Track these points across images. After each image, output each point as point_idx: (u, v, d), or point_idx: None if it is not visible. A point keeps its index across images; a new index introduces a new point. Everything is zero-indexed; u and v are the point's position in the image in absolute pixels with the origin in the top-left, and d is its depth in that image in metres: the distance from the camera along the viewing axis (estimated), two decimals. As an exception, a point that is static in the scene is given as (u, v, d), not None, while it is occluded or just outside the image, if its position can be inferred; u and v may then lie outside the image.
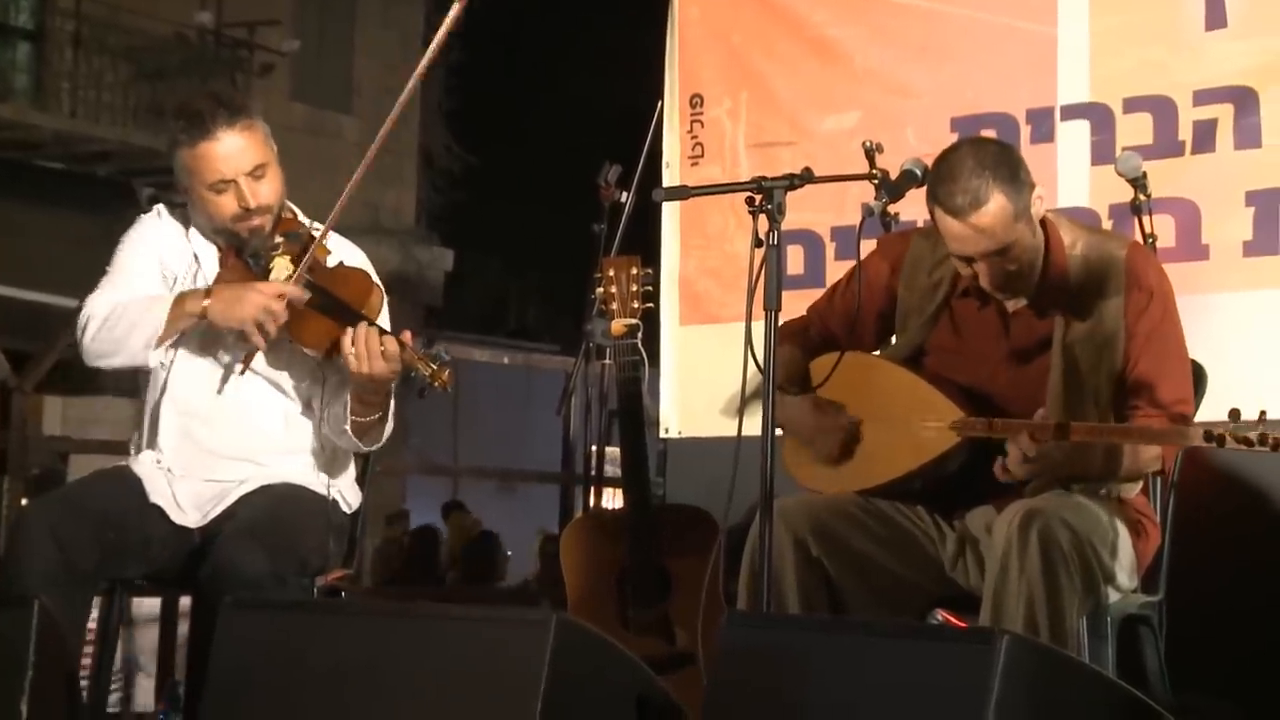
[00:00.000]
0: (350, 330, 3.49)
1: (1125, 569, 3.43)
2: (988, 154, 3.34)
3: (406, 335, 3.52)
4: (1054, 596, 3.19)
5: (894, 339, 3.71)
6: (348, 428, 3.61)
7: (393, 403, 3.68)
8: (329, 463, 3.73)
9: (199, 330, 3.64)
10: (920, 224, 4.54)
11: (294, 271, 3.60)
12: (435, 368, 3.47)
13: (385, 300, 3.70)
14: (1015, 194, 3.31)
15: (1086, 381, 3.44)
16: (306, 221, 3.80)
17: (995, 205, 3.29)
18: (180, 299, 3.60)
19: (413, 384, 3.52)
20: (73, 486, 3.75)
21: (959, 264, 3.43)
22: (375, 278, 3.76)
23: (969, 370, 3.54)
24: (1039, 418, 3.30)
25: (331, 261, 3.71)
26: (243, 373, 3.62)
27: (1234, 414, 3.07)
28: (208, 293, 3.59)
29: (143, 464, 3.69)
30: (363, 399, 3.58)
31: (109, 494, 3.60)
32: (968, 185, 3.28)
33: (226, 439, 3.67)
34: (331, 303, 3.57)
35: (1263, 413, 3.05)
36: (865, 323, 3.66)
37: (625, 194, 5.06)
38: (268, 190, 3.63)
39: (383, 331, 3.49)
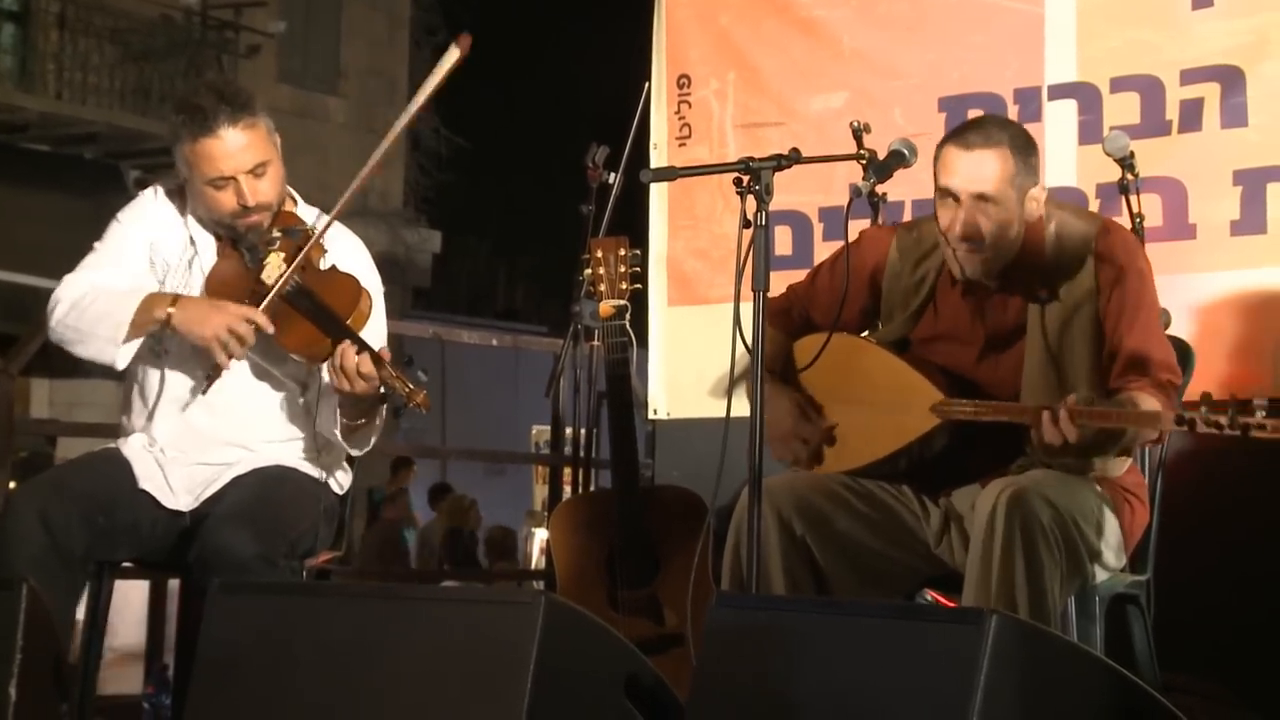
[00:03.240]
0: (336, 342, 3.48)
1: (1112, 547, 3.44)
2: (1013, 126, 3.51)
3: (384, 354, 3.51)
4: (1034, 572, 3.20)
5: (879, 326, 3.71)
6: (337, 430, 3.61)
7: (383, 410, 3.67)
8: (322, 447, 3.73)
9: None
10: (909, 204, 4.55)
11: (285, 271, 3.58)
12: (412, 388, 3.46)
13: (376, 303, 3.68)
14: (1021, 164, 3.41)
15: (1062, 362, 3.45)
16: (307, 211, 3.79)
17: (999, 154, 3.39)
18: (148, 301, 3.56)
19: (390, 402, 3.52)
20: (62, 469, 3.74)
21: (940, 211, 3.43)
22: (372, 276, 3.75)
23: (948, 359, 3.55)
24: (1072, 402, 3.24)
25: (327, 261, 3.69)
26: (204, 391, 3.59)
27: (1205, 396, 3.08)
28: (175, 299, 3.57)
29: (132, 447, 3.68)
30: (347, 407, 3.58)
31: (98, 477, 3.59)
32: (986, 131, 3.43)
33: (222, 424, 3.67)
34: (319, 310, 3.54)
35: (1233, 395, 3.05)
36: (847, 313, 3.65)
37: (613, 175, 5.04)
38: (268, 188, 3.61)
39: (361, 349, 3.46)
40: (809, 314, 3.74)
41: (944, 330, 3.57)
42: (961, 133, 3.45)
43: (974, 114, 4.47)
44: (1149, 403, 3.32)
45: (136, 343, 3.59)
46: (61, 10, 14.51)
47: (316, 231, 3.67)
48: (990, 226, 3.39)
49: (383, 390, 3.48)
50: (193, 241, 3.71)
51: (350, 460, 3.86)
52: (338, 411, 3.58)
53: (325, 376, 3.56)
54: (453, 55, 3.66)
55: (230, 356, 3.50)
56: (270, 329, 3.53)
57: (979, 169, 3.38)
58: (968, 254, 3.43)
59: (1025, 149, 3.42)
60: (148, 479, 3.61)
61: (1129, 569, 3.56)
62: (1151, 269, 3.52)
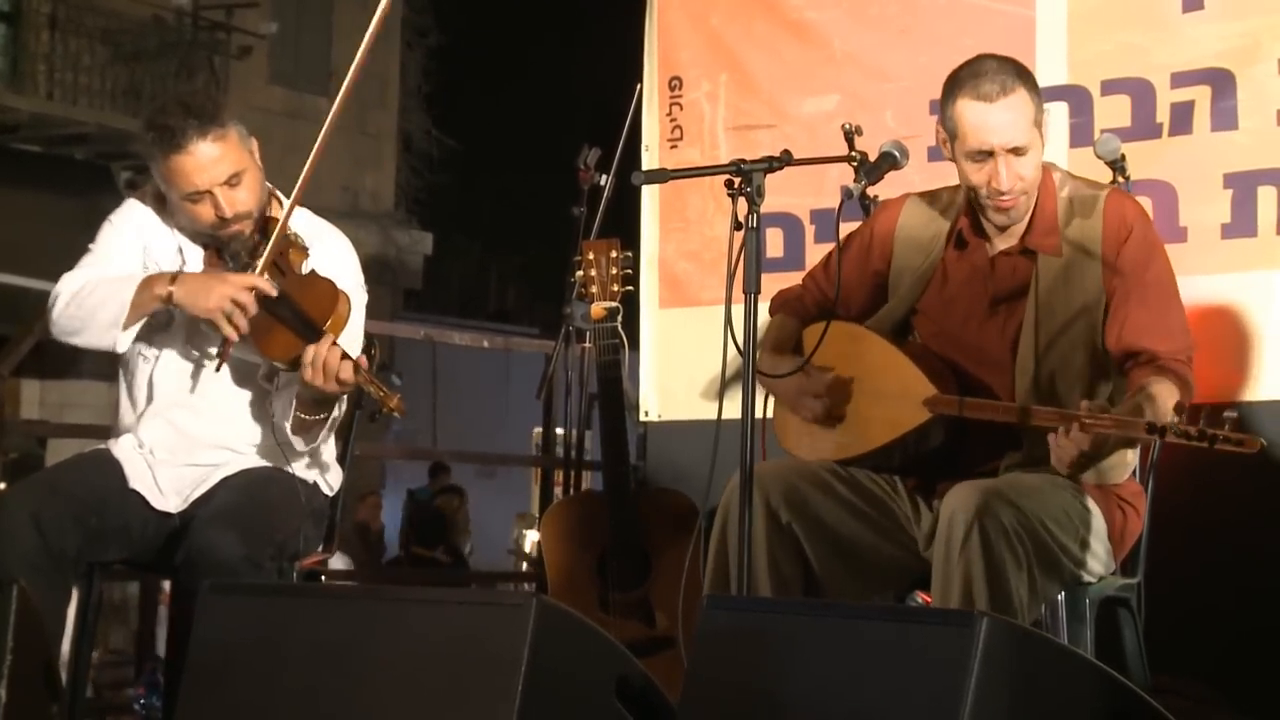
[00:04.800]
0: (311, 345, 3.47)
1: (1098, 553, 3.42)
2: (1008, 61, 3.47)
3: (362, 360, 3.50)
4: (995, 573, 3.18)
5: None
6: (288, 423, 3.60)
7: (339, 410, 3.66)
8: (281, 441, 3.71)
9: (184, 320, 3.63)
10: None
11: (262, 272, 3.58)
12: (386, 393, 3.45)
13: (355, 308, 3.65)
14: (1035, 97, 3.43)
15: (1059, 315, 3.45)
16: (294, 212, 3.78)
17: (1020, 98, 3.40)
18: (148, 281, 3.57)
19: (365, 407, 3.51)
20: (53, 470, 3.74)
21: (971, 166, 3.44)
22: (355, 278, 3.75)
23: (952, 320, 3.56)
24: (1085, 408, 3.23)
25: (308, 264, 3.68)
26: (219, 367, 3.60)
27: (1178, 407, 3.10)
28: (174, 278, 3.57)
29: (123, 448, 3.68)
30: (305, 402, 3.57)
31: (90, 478, 3.59)
32: (995, 77, 3.40)
33: (208, 427, 3.67)
34: (295, 316, 3.53)
35: (1205, 409, 3.06)
36: (862, 285, 3.68)
37: (605, 177, 5.06)
38: (245, 196, 3.60)
39: (343, 355, 3.46)
40: (826, 294, 3.72)
41: (952, 294, 3.57)
42: (972, 85, 3.40)
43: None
44: (1163, 389, 3.31)
45: (137, 327, 3.60)
46: (53, 11, 14.49)
47: (295, 234, 3.66)
48: (1029, 171, 3.44)
49: (362, 396, 3.48)
50: (181, 252, 3.71)
51: (341, 461, 3.86)
52: (293, 404, 3.57)
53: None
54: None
55: (236, 328, 3.50)
56: (273, 292, 3.53)
57: (1009, 121, 3.39)
58: (1010, 202, 3.45)
59: (1030, 79, 3.45)
60: (138, 479, 3.61)
61: (1119, 573, 3.56)
62: (1159, 238, 3.54)
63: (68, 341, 3.63)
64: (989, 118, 3.38)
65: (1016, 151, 3.40)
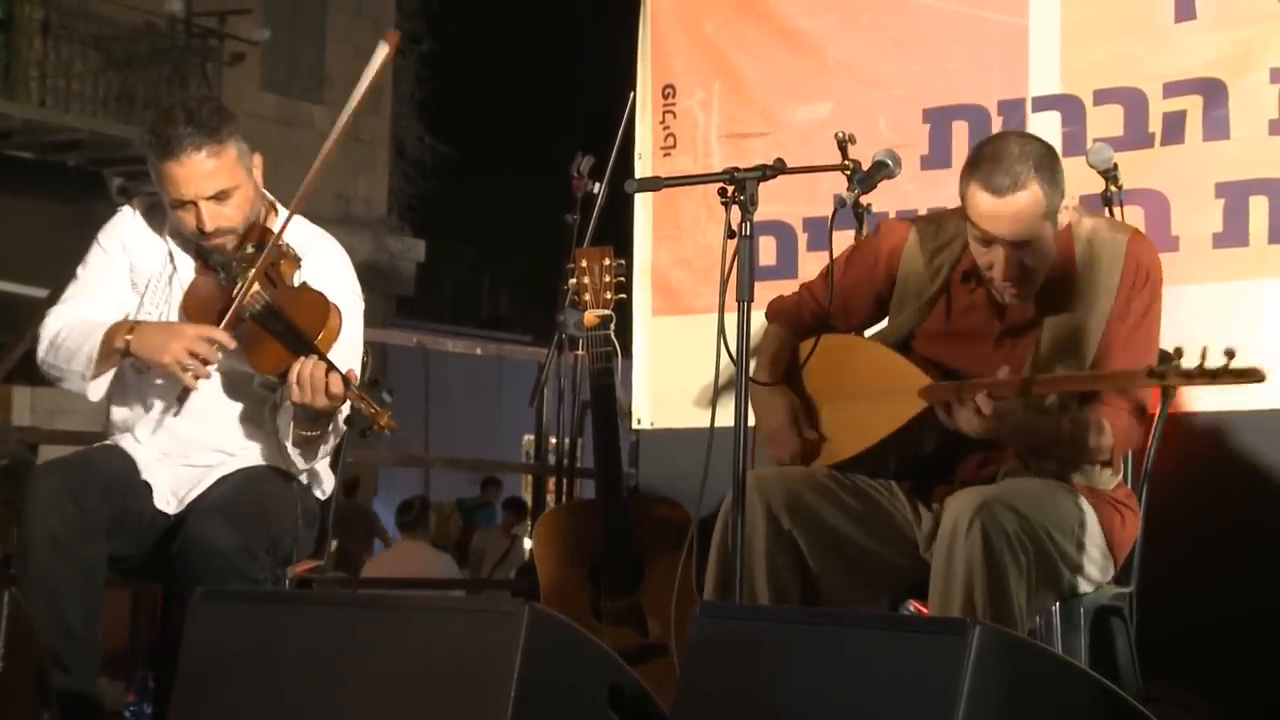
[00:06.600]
0: (301, 358, 3.46)
1: (1096, 560, 3.43)
2: (1033, 147, 3.40)
3: (352, 374, 3.49)
4: (996, 580, 3.19)
5: (886, 322, 3.71)
6: (289, 440, 3.60)
7: (337, 425, 3.66)
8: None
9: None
10: (893, 215, 4.56)
11: (254, 290, 3.56)
12: (377, 409, 3.44)
13: (352, 318, 3.66)
14: (1051, 192, 3.36)
15: (1069, 354, 3.45)
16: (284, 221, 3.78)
17: (1031, 194, 3.34)
18: (110, 332, 3.57)
19: (355, 424, 3.50)
20: (79, 452, 3.75)
21: (977, 247, 3.43)
22: (350, 288, 3.74)
23: (956, 352, 3.55)
24: (1002, 374, 3.29)
25: (300, 275, 3.66)
26: (176, 413, 3.60)
27: (1178, 351, 3.11)
28: (133, 327, 3.57)
29: (127, 442, 3.69)
30: (301, 418, 3.56)
31: (110, 462, 3.61)
32: (1010, 168, 3.33)
33: (203, 430, 3.67)
34: (286, 330, 3.52)
35: (1204, 348, 3.07)
36: (864, 300, 3.69)
37: (598, 185, 5.05)
38: (231, 213, 3.58)
39: (330, 368, 3.44)
40: (823, 306, 3.72)
41: (957, 326, 3.57)
42: (986, 171, 3.35)
43: (959, 126, 4.52)
44: (1112, 419, 3.37)
45: (108, 376, 3.62)
46: (45, 17, 14.48)
47: (286, 245, 3.65)
48: (1033, 263, 3.40)
49: (348, 411, 3.47)
50: (171, 259, 3.71)
51: (333, 467, 3.86)
52: (291, 424, 3.57)
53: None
54: (382, 52, 3.69)
55: (196, 377, 3.50)
56: (231, 345, 3.52)
57: (1013, 217, 3.34)
58: (1009, 292, 3.44)
59: (1050, 170, 3.37)
60: (147, 471, 3.62)
61: (1121, 580, 3.57)
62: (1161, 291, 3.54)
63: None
64: (994, 211, 3.35)
65: (1018, 245, 3.38)
